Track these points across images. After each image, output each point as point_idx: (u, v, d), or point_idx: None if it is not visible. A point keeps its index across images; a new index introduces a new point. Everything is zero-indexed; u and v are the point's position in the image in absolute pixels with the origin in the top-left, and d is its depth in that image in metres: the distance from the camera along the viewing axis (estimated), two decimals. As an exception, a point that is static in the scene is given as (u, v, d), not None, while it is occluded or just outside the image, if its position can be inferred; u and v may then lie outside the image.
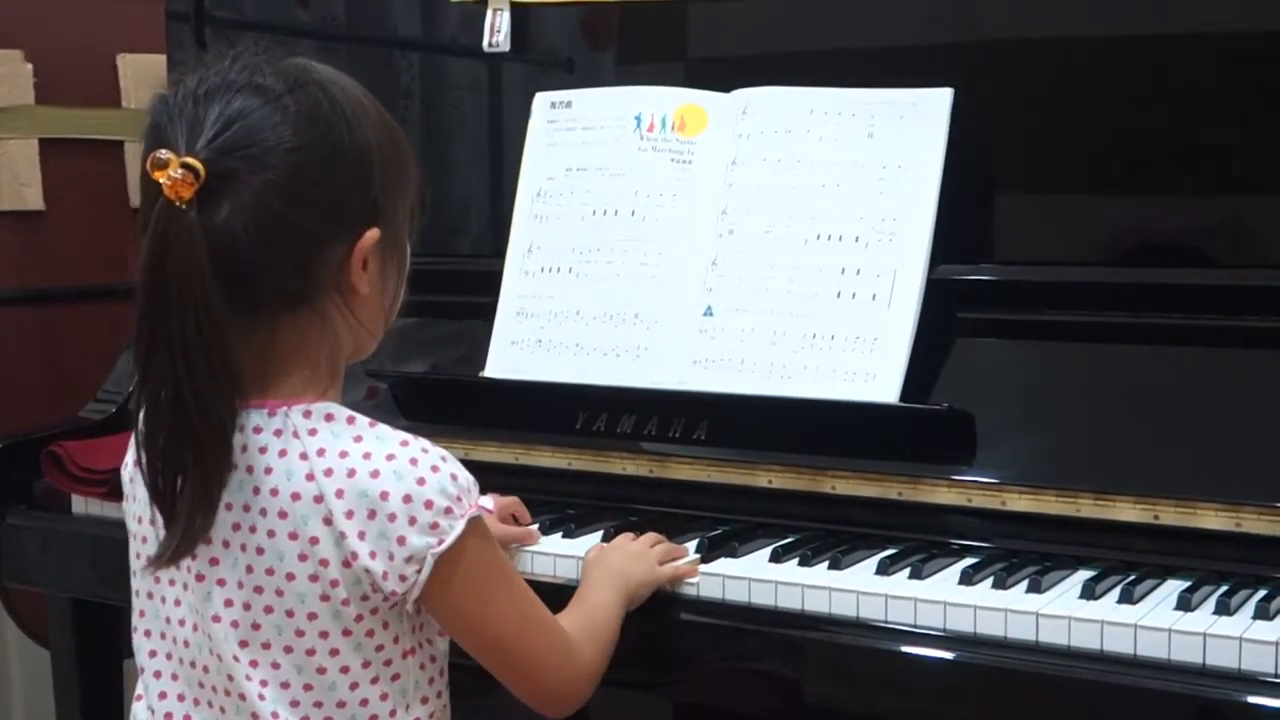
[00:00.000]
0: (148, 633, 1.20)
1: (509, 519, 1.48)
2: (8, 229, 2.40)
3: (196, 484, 1.08)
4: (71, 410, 2.01)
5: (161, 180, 1.04)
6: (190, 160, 1.05)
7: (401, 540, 1.09)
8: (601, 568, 1.34)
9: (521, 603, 1.18)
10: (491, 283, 1.73)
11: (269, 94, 1.09)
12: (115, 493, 1.26)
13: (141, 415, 1.10)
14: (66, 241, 2.42)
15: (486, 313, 1.73)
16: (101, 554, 1.73)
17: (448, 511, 1.10)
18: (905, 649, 1.27)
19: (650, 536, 1.41)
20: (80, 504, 1.81)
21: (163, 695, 1.19)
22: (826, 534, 1.47)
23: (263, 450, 1.11)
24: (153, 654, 1.19)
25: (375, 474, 1.09)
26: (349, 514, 1.09)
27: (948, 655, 1.26)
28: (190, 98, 1.08)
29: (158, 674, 1.19)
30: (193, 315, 1.05)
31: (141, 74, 2.46)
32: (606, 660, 1.26)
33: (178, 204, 1.04)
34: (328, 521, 1.09)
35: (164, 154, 1.05)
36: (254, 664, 1.12)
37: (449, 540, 1.10)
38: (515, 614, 1.17)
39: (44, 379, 2.41)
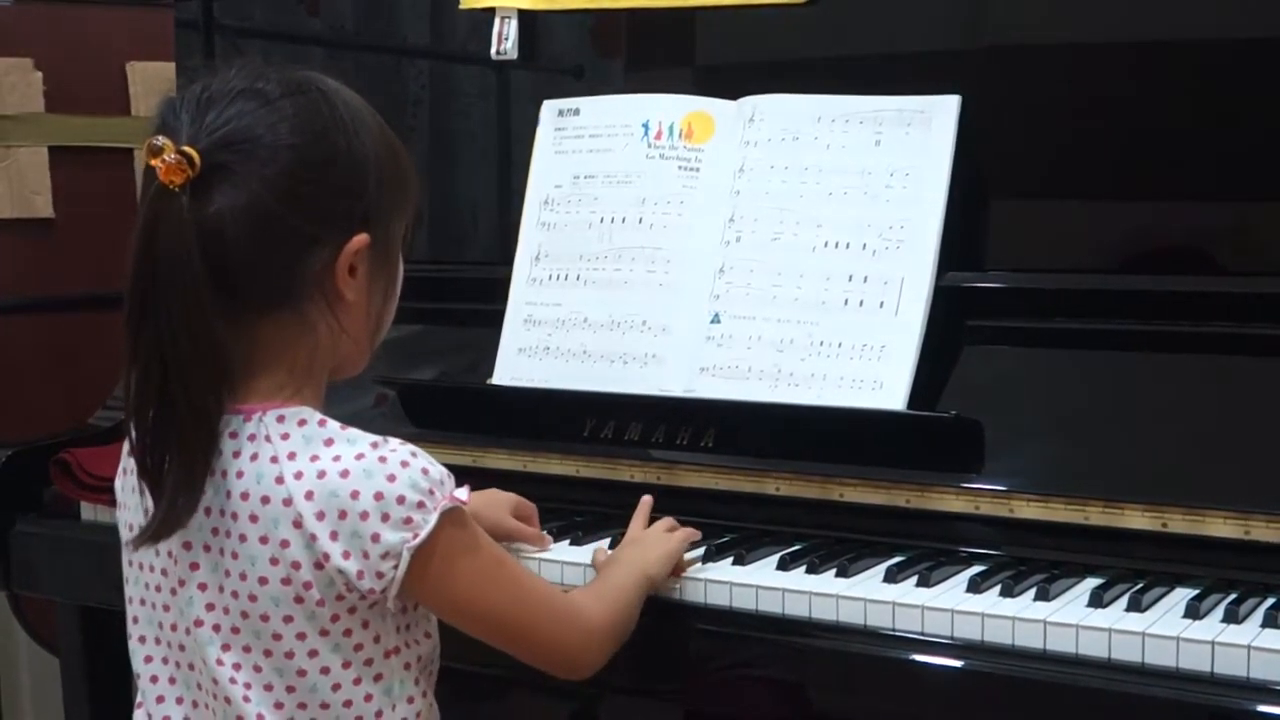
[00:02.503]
0: (142, 638, 1.21)
1: (528, 518, 1.49)
2: (18, 237, 2.41)
3: (181, 463, 1.10)
4: (81, 418, 2.01)
5: (155, 164, 1.07)
6: (186, 149, 1.07)
7: (376, 538, 1.10)
8: (615, 554, 1.37)
9: (512, 580, 1.19)
10: (499, 290, 1.73)
11: (270, 96, 1.12)
12: (123, 500, 1.26)
13: (132, 394, 1.11)
14: (76, 249, 2.43)
15: (494, 320, 1.73)
16: (111, 561, 1.71)
17: (420, 506, 1.11)
18: (913, 657, 1.27)
19: (665, 521, 1.43)
20: (90, 511, 1.82)
21: (160, 699, 1.20)
22: (834, 541, 1.47)
23: (236, 455, 1.12)
24: (148, 659, 1.20)
25: (344, 474, 1.10)
26: (319, 515, 1.10)
27: (955, 663, 1.26)
28: (195, 98, 1.11)
29: (154, 679, 1.20)
30: (180, 298, 1.07)
31: (151, 82, 2.47)
32: (622, 625, 1.27)
33: (170, 187, 1.06)
34: (297, 524, 1.10)
35: (160, 140, 1.07)
36: (237, 666, 1.13)
37: (423, 534, 1.11)
38: (506, 592, 1.18)
39: (53, 386, 2.42)
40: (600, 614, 1.25)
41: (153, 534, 1.12)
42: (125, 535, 1.21)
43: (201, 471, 1.11)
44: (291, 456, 1.11)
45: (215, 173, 1.08)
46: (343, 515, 1.10)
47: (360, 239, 1.13)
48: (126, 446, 1.20)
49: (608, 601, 1.27)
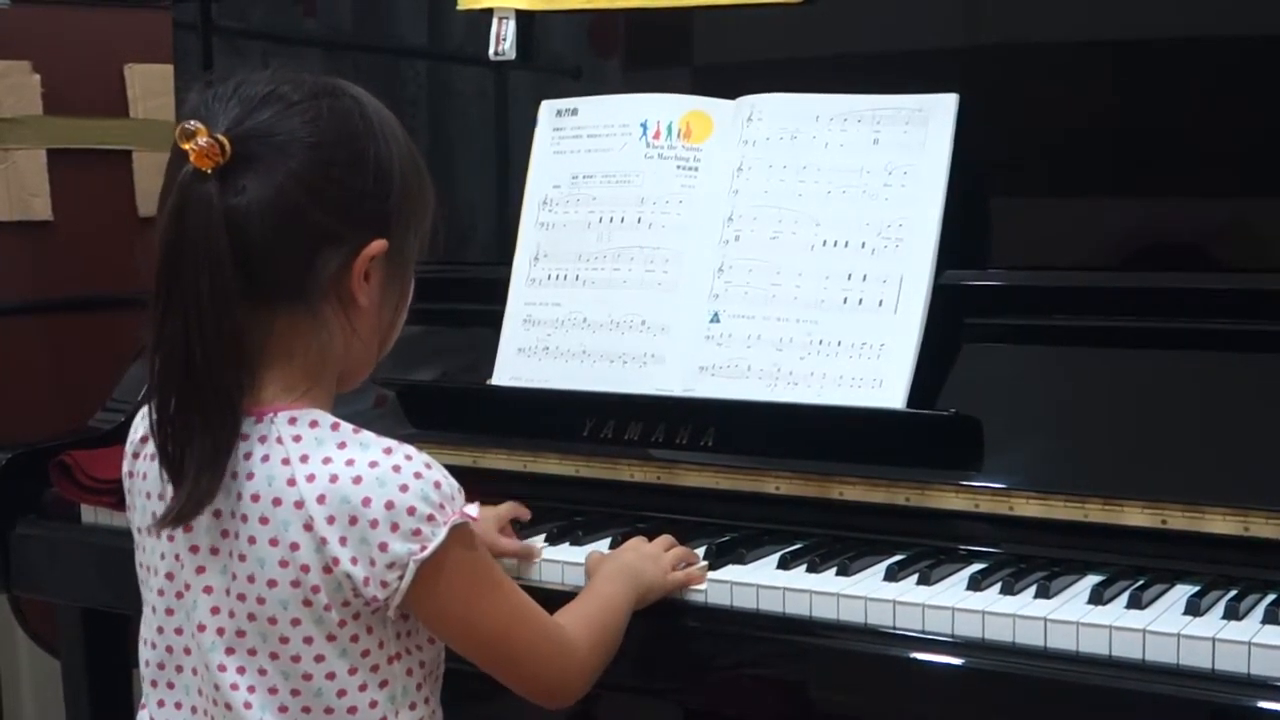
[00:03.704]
0: (145, 641, 1.21)
1: (507, 528, 1.48)
2: (16, 239, 2.41)
3: (204, 448, 1.10)
4: (80, 420, 2.01)
5: (188, 148, 1.08)
6: (219, 136, 1.08)
7: (383, 547, 1.10)
8: (614, 562, 1.35)
9: (508, 604, 1.18)
10: (499, 290, 1.73)
11: (303, 97, 1.13)
12: (124, 502, 1.27)
13: (154, 381, 1.12)
14: (75, 251, 2.43)
15: (494, 320, 1.73)
16: (111, 563, 1.73)
17: (430, 519, 1.11)
18: (913, 655, 1.27)
19: (664, 539, 1.41)
20: (90, 513, 1.82)
21: (161, 704, 1.20)
22: (834, 540, 1.47)
23: (247, 456, 1.12)
24: (148, 663, 1.20)
25: (357, 480, 1.10)
26: (330, 520, 1.09)
27: (956, 661, 1.26)
28: (230, 93, 1.13)
29: (154, 683, 1.20)
30: (207, 280, 1.08)
31: (149, 84, 2.47)
32: (608, 652, 1.26)
33: (201, 170, 1.07)
34: (308, 527, 1.10)
35: (194, 124, 1.09)
36: (241, 670, 1.13)
37: (431, 547, 1.11)
38: (501, 615, 1.18)
39: (52, 388, 2.41)
40: (589, 644, 1.24)
41: (178, 514, 1.12)
42: (136, 538, 1.21)
43: (225, 455, 1.11)
44: (304, 459, 1.11)
45: (244, 162, 1.09)
46: (353, 521, 1.09)
47: (379, 244, 1.14)
48: (129, 450, 1.20)
49: (597, 629, 1.25)
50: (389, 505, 1.09)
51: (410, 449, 1.13)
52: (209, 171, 1.07)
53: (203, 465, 1.10)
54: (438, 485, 1.12)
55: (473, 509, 1.15)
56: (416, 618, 1.17)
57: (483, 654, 1.19)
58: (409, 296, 1.22)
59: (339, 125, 1.13)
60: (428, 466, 1.12)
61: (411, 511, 1.10)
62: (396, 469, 1.11)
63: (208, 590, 1.14)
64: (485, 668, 1.20)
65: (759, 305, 1.58)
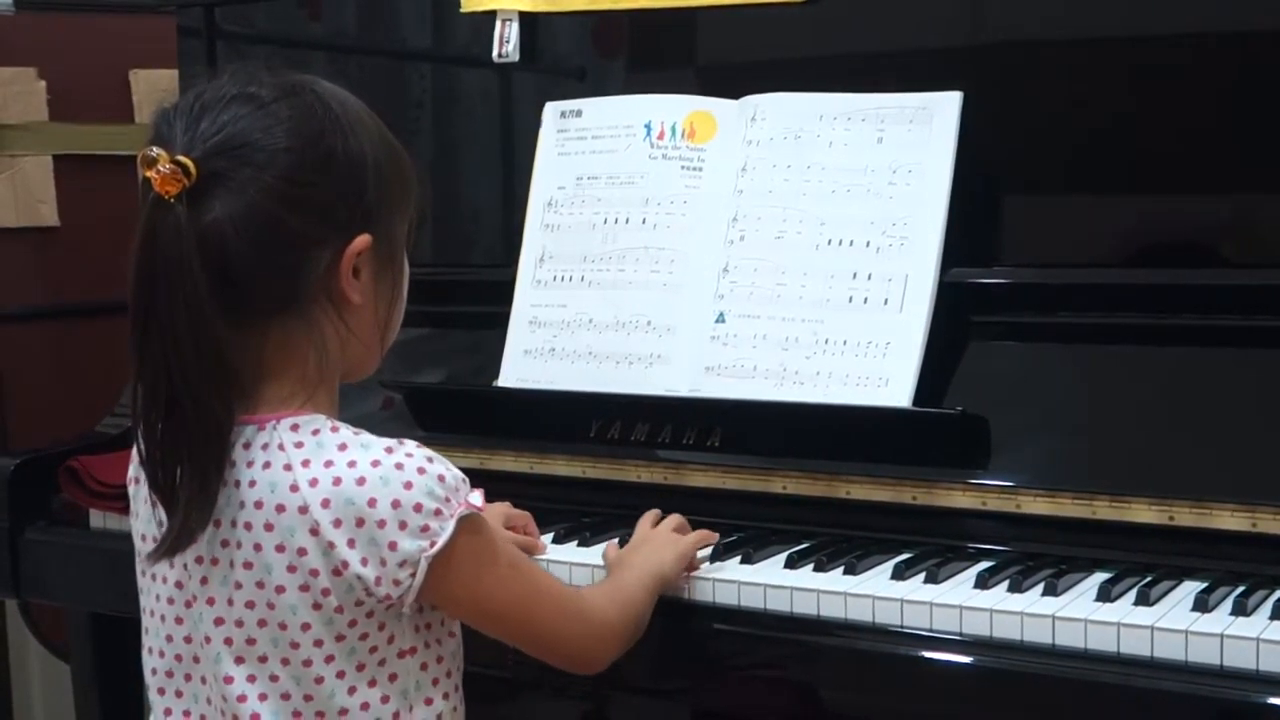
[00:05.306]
0: (150, 649, 1.20)
1: (519, 529, 1.48)
2: (23, 245, 2.42)
3: (194, 476, 1.09)
4: (88, 425, 2.02)
5: (151, 175, 1.06)
6: (181, 158, 1.06)
7: (393, 546, 1.09)
8: (632, 555, 1.36)
9: (525, 582, 1.19)
10: (504, 292, 1.73)
11: (263, 100, 1.11)
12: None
13: (138, 407, 1.11)
14: (81, 257, 2.43)
15: (499, 322, 1.73)
16: (120, 568, 1.72)
17: (437, 513, 1.10)
18: (921, 653, 1.27)
19: (674, 518, 1.43)
20: (98, 519, 1.82)
21: (168, 712, 1.19)
22: (842, 539, 1.47)
23: (249, 465, 1.11)
24: (154, 672, 1.20)
25: (361, 481, 1.09)
26: (336, 523, 1.09)
27: (964, 659, 1.26)
28: (188, 107, 1.10)
29: (161, 690, 1.20)
30: (183, 309, 1.06)
31: (154, 90, 2.47)
32: (633, 625, 1.28)
33: (166, 198, 1.06)
34: (314, 532, 1.09)
35: (154, 151, 1.07)
36: (251, 679, 1.12)
37: (440, 542, 1.10)
38: (519, 594, 1.18)
39: (60, 394, 2.42)
40: (611, 613, 1.25)
41: (168, 548, 1.11)
42: (139, 545, 1.21)
43: (215, 482, 1.10)
44: (305, 464, 1.10)
45: (212, 180, 1.07)
46: (360, 523, 1.09)
47: (362, 240, 1.13)
48: (135, 455, 1.20)
49: (619, 602, 1.27)
50: (395, 504, 1.09)
51: (411, 445, 1.12)
52: (174, 199, 1.05)
53: (192, 499, 1.09)
54: (441, 479, 1.11)
55: (477, 497, 1.14)
56: (438, 608, 1.17)
57: (506, 631, 1.20)
58: (404, 284, 1.21)
59: (304, 126, 1.11)
60: (430, 461, 1.12)
61: (418, 508, 1.10)
62: (399, 466, 1.10)
63: (211, 601, 1.13)
64: (513, 644, 1.21)
65: (764, 305, 1.58)
